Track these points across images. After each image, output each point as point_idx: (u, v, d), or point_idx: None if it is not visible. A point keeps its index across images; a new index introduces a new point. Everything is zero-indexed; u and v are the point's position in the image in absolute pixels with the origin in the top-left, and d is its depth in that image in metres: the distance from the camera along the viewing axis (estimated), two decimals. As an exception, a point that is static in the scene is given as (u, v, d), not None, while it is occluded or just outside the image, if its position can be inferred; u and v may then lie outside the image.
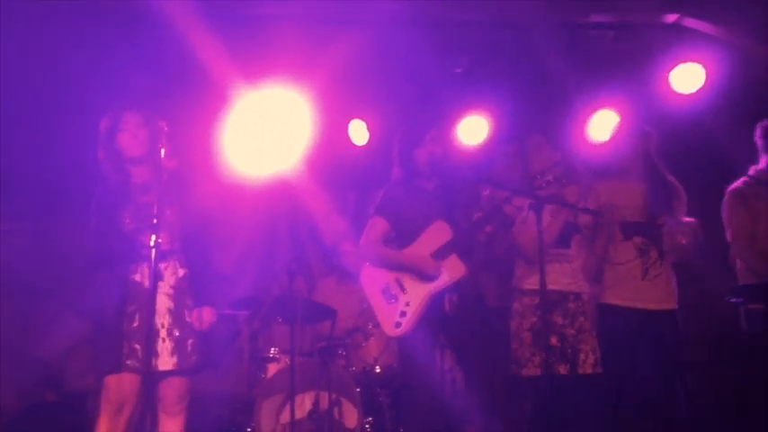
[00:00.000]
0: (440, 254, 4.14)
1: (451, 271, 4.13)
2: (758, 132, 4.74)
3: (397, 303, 4.17)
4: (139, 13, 4.92)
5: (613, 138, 4.96)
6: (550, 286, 4.16)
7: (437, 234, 4.18)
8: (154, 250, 3.34)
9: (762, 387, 4.32)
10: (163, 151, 3.62)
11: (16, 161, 5.67)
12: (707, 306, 5.29)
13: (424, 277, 4.13)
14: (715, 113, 5.34)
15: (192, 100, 5.34)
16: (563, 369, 4.18)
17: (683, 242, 4.30)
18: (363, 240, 4.38)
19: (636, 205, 4.54)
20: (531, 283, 4.26)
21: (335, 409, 5.10)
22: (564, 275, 4.33)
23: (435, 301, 4.12)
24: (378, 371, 5.39)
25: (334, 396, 5.08)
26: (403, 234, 4.30)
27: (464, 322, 4.17)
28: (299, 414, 4.98)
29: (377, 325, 5.38)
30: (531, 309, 4.28)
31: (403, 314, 4.12)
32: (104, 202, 3.86)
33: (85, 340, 6.18)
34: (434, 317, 4.10)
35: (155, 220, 3.38)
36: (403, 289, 4.18)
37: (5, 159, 5.59)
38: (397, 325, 4.12)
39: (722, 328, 5.19)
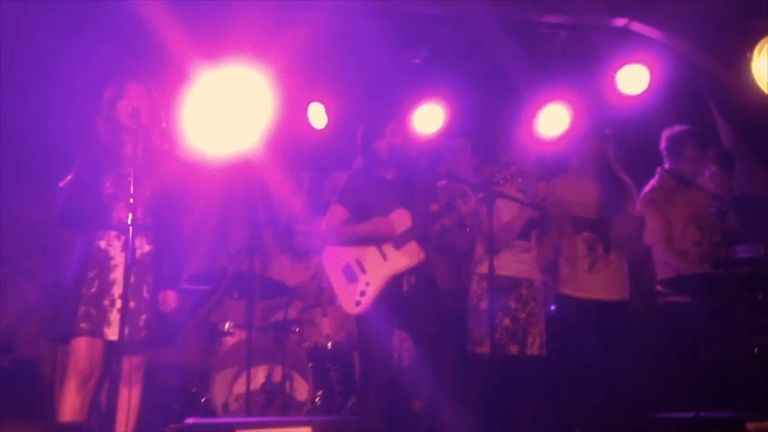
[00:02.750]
0: (400, 239, 4.36)
1: (411, 256, 4.35)
2: (663, 143, 5.09)
3: (357, 283, 4.38)
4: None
5: (568, 135, 5.17)
6: (507, 272, 4.52)
7: (398, 221, 4.39)
8: (131, 227, 3.45)
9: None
10: (157, 128, 3.75)
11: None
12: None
13: (381, 238, 4.33)
14: (657, 115, 5.61)
15: (151, 77, 5.40)
16: (514, 349, 4.45)
17: (628, 238, 4.57)
18: (325, 226, 4.55)
19: (589, 202, 4.79)
20: (486, 268, 4.46)
21: (287, 383, 5.29)
22: (520, 263, 4.58)
23: (394, 282, 4.34)
24: (329, 347, 5.59)
25: (286, 370, 5.27)
26: (364, 221, 4.50)
27: (420, 303, 4.37)
28: (252, 386, 5.16)
29: (330, 303, 5.61)
30: (484, 292, 4.52)
31: (363, 293, 4.34)
32: (88, 162, 3.90)
33: (37, 306, 6.25)
34: (392, 297, 4.32)
35: (131, 200, 3.49)
36: (363, 269, 4.39)
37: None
38: (357, 303, 4.33)
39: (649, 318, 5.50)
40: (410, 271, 4.36)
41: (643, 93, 5.64)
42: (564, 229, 4.76)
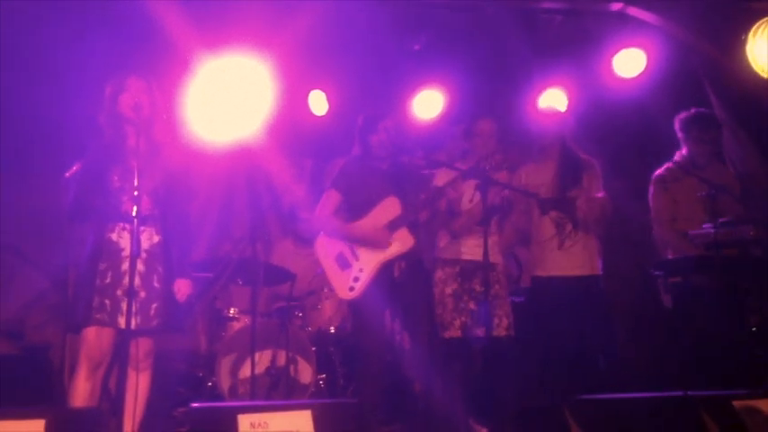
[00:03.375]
0: (391, 226, 4.49)
1: (402, 242, 4.48)
2: (676, 125, 5.10)
3: (350, 269, 4.51)
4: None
5: (541, 118, 5.22)
6: (469, 257, 4.64)
7: (388, 208, 4.53)
8: (136, 219, 3.54)
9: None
10: (159, 121, 3.87)
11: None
12: (634, 276, 5.68)
13: (376, 246, 4.45)
14: (653, 98, 5.67)
15: (155, 67, 5.46)
16: (480, 332, 4.54)
17: (593, 216, 4.64)
18: (318, 212, 4.69)
19: (548, 182, 4.87)
20: (452, 253, 4.69)
21: (291, 367, 5.40)
22: (482, 248, 4.63)
23: (386, 268, 4.46)
24: (332, 331, 5.71)
25: (290, 354, 5.38)
26: (355, 207, 4.63)
27: (411, 288, 4.49)
28: (257, 370, 5.26)
29: (332, 288, 5.70)
30: (452, 277, 4.66)
31: (356, 279, 4.47)
32: (96, 157, 3.97)
33: (44, 294, 6.34)
34: (384, 282, 4.43)
35: (135, 192, 3.58)
36: (356, 256, 4.52)
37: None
38: (351, 289, 4.46)
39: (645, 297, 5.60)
40: (401, 257, 4.48)
41: (639, 75, 5.70)
42: (531, 213, 4.85)
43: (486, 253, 4.18)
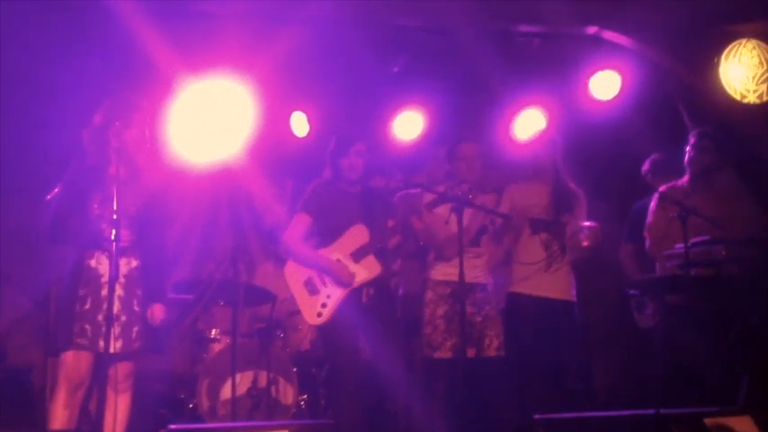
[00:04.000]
0: (358, 254, 4.54)
1: (369, 269, 4.53)
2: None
3: (318, 295, 4.55)
4: (90, 5, 5.10)
5: (533, 141, 5.32)
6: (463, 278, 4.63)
7: (356, 236, 4.57)
8: (114, 244, 3.60)
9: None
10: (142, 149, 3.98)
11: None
12: (606, 299, 5.77)
13: (339, 282, 4.50)
14: (628, 119, 5.77)
15: (138, 89, 5.51)
16: (471, 352, 4.59)
17: (585, 244, 4.72)
18: (287, 236, 4.71)
19: (543, 204, 4.96)
20: (443, 275, 4.73)
21: (273, 387, 5.44)
22: (473, 269, 4.70)
23: (353, 295, 4.51)
24: (312, 352, 5.74)
25: (271, 375, 5.42)
26: (325, 232, 4.66)
27: (378, 312, 4.53)
28: (238, 391, 5.30)
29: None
30: (443, 298, 4.71)
31: (324, 305, 4.51)
32: (77, 180, 4.04)
33: (27, 317, 6.35)
34: (352, 307, 4.48)
35: (114, 216, 3.64)
36: (324, 282, 4.56)
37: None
38: (319, 315, 4.51)
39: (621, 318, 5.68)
40: (369, 283, 4.53)
41: (615, 97, 5.79)
42: (521, 232, 4.93)
43: (461, 273, 4.22)
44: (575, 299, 4.95)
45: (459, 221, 4.29)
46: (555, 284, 4.87)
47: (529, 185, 5.06)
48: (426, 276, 4.86)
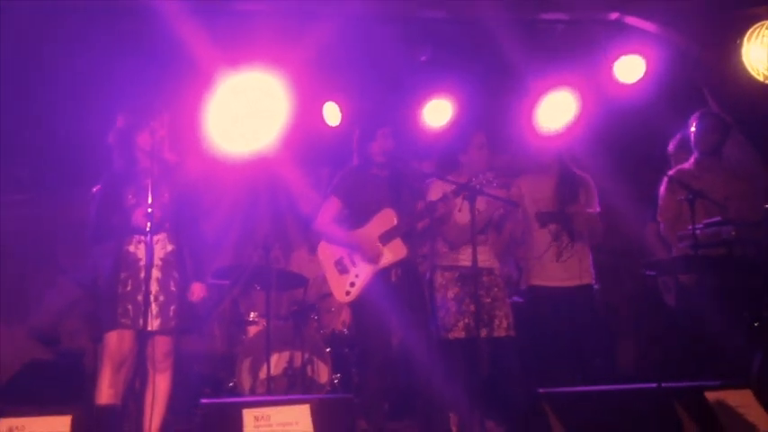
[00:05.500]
0: (386, 237, 4.71)
1: (395, 252, 4.71)
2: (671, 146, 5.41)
3: (347, 275, 4.75)
4: (137, 6, 5.36)
5: (537, 138, 5.43)
6: (467, 263, 4.75)
7: (384, 220, 4.74)
8: (150, 231, 3.88)
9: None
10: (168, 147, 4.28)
11: (17, 137, 6.10)
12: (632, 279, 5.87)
13: (368, 259, 4.68)
14: (653, 102, 5.84)
15: (179, 84, 5.76)
16: (482, 332, 4.71)
17: (587, 231, 4.89)
18: (319, 218, 4.91)
19: (548, 197, 5.11)
20: (451, 260, 4.88)
21: (308, 367, 5.68)
22: (480, 255, 4.74)
23: (382, 274, 4.70)
24: (345, 332, 5.97)
25: (306, 355, 5.66)
26: (354, 216, 4.84)
27: (406, 291, 4.71)
28: (275, 371, 5.57)
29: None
30: (452, 281, 4.85)
31: (352, 284, 4.72)
32: (110, 183, 4.39)
33: (78, 304, 6.68)
34: (381, 287, 4.66)
35: (149, 210, 3.92)
36: (354, 263, 4.76)
37: (7, 136, 6.03)
38: (347, 293, 4.72)
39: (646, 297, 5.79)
40: (395, 265, 4.71)
41: (639, 81, 5.86)
42: (530, 225, 5.09)
43: (474, 260, 4.37)
44: (593, 281, 5.09)
45: (472, 209, 4.40)
46: (568, 272, 5.01)
47: (537, 178, 5.20)
48: (435, 263, 5.00)
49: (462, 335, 4.74)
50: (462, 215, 4.65)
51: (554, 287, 5.02)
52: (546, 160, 5.20)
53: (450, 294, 4.83)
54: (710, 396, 3.63)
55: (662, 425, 3.51)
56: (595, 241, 5.11)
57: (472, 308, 4.68)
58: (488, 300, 4.82)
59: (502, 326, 4.79)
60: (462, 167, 4.98)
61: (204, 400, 3.34)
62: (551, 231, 5.06)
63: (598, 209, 5.10)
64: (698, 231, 4.51)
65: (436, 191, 4.81)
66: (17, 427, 3.20)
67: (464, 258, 4.77)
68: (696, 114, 5.32)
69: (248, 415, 3.24)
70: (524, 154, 5.46)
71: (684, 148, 5.54)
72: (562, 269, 5.01)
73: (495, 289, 4.87)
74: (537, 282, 5.10)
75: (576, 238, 5.04)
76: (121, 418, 4.29)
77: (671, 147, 5.65)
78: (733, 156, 5.58)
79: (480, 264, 4.69)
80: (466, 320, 4.73)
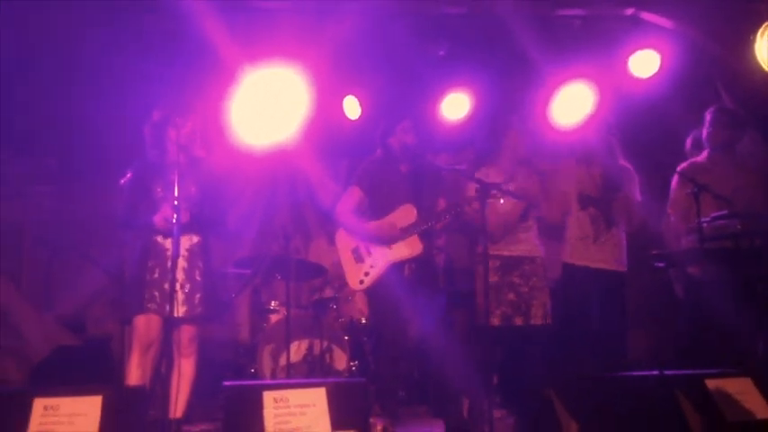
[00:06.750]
0: (403, 232, 4.81)
1: (410, 248, 4.81)
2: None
3: (363, 264, 4.89)
4: (163, 7, 5.52)
5: (582, 126, 5.55)
6: (509, 252, 4.97)
7: (404, 215, 4.84)
8: (176, 224, 4.08)
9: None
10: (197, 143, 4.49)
11: (48, 130, 6.32)
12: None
13: (384, 241, 4.79)
14: (667, 96, 5.93)
15: (205, 80, 5.91)
16: (519, 320, 4.89)
17: (627, 218, 5.06)
18: (339, 208, 5.03)
19: (593, 183, 5.23)
20: (493, 250, 4.95)
21: (327, 355, 5.84)
22: (521, 242, 4.98)
23: (396, 268, 4.82)
24: (363, 321, 6.13)
25: (325, 343, 5.82)
26: (374, 210, 4.96)
27: (421, 284, 4.82)
28: (295, 358, 5.73)
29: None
30: (492, 270, 4.94)
31: (366, 274, 4.85)
32: (141, 171, 4.58)
33: (104, 291, 6.88)
34: (395, 279, 4.78)
35: (176, 202, 4.09)
36: (369, 253, 4.89)
37: (37, 128, 6.22)
38: (361, 282, 4.87)
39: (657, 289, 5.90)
40: (410, 260, 4.82)
41: (654, 75, 5.94)
42: (570, 206, 5.21)
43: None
44: (624, 268, 5.22)
45: (482, 203, 4.41)
46: (602, 255, 5.14)
47: (581, 163, 5.30)
48: (477, 251, 5.07)
49: (497, 322, 4.85)
50: (504, 205, 4.76)
51: (589, 268, 5.15)
52: (590, 150, 5.29)
53: (490, 282, 4.86)
54: (711, 384, 3.73)
55: (663, 411, 3.61)
56: (632, 229, 5.25)
57: (510, 296, 4.84)
58: (526, 289, 4.93)
59: (538, 314, 4.90)
60: (504, 152, 5.08)
61: (227, 383, 3.49)
62: (590, 215, 5.19)
63: (639, 198, 5.22)
64: (705, 224, 4.60)
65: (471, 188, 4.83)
66: (52, 407, 3.36)
67: (505, 248, 4.90)
68: (710, 109, 5.40)
69: (268, 397, 3.39)
70: (562, 142, 5.53)
71: (700, 145, 5.63)
72: (599, 251, 5.15)
73: (534, 278, 4.96)
74: (573, 260, 5.22)
75: (612, 224, 5.17)
76: (148, 398, 4.46)
77: (688, 144, 5.74)
78: (745, 149, 5.66)
79: (522, 252, 4.87)
80: (502, 309, 4.86)
